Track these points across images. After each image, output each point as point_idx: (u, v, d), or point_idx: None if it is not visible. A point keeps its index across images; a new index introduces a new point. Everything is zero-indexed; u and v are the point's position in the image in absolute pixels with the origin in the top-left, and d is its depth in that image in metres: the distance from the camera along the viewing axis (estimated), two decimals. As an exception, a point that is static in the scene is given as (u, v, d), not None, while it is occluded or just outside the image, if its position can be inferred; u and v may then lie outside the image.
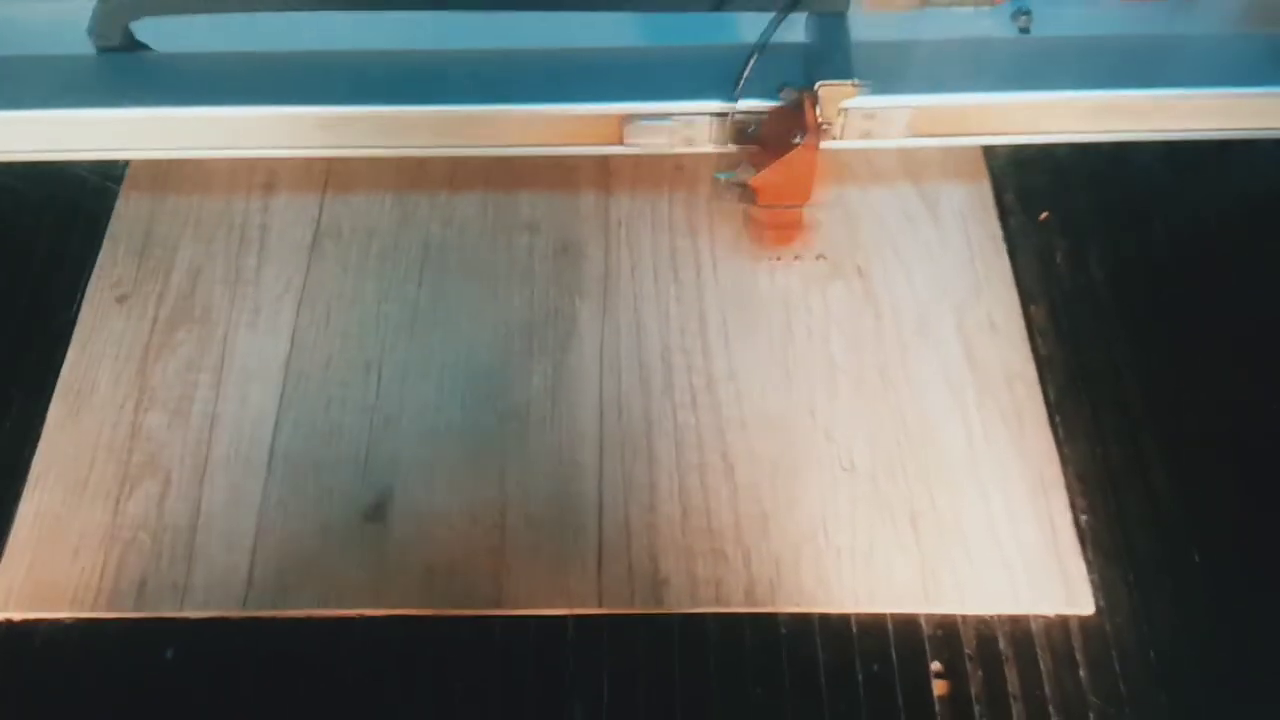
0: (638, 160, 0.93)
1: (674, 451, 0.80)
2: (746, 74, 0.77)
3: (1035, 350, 0.85)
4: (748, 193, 0.86)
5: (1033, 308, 0.88)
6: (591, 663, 0.73)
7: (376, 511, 0.77)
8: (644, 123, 0.80)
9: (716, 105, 0.79)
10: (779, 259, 0.90)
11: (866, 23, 0.80)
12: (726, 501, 0.78)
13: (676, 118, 0.80)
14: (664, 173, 0.94)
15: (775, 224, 0.88)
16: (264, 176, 0.94)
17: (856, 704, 0.72)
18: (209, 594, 0.74)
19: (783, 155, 0.78)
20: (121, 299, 0.87)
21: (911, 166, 0.94)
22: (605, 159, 0.94)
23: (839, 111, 0.78)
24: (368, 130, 0.81)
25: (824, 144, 0.80)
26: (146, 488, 0.78)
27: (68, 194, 0.94)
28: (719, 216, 0.92)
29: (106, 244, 0.91)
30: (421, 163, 0.94)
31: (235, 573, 0.75)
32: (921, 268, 0.89)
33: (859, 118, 0.80)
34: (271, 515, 0.77)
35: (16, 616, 0.75)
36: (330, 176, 0.94)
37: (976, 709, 0.72)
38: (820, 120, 0.77)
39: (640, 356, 0.85)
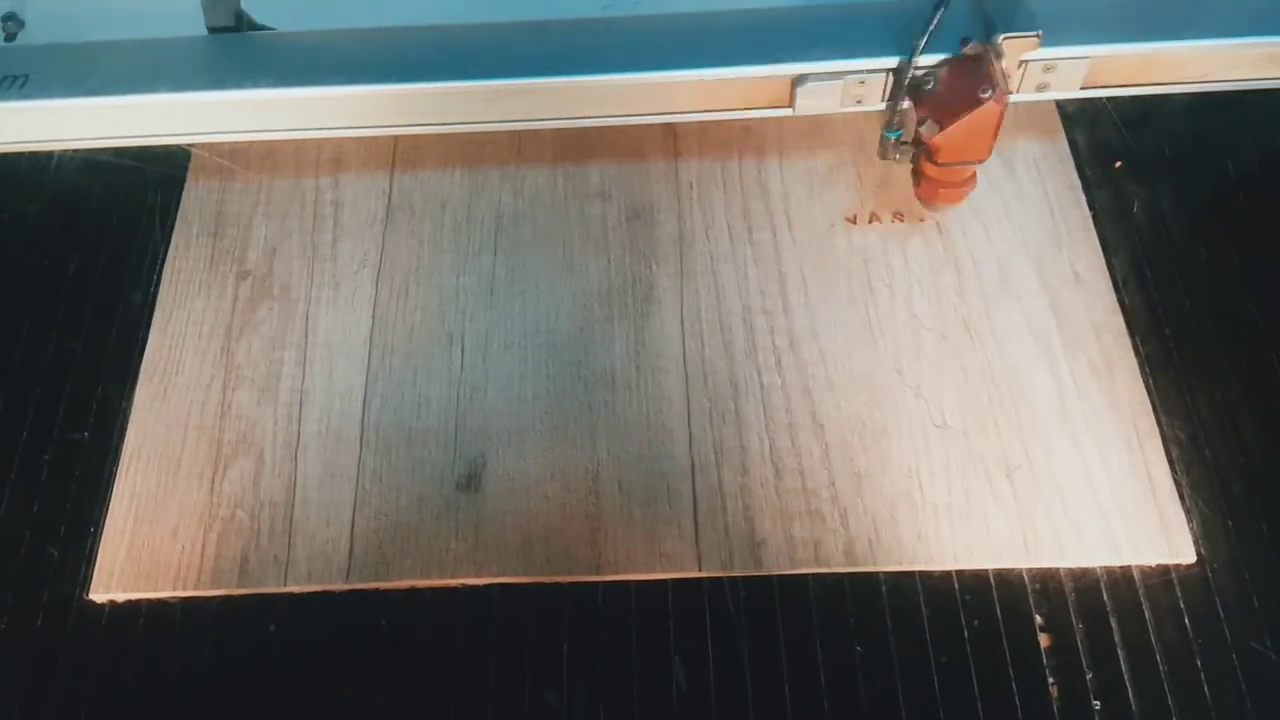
0: (704, 125, 0.92)
1: (762, 413, 0.80)
2: (933, 27, 0.74)
3: (1120, 299, 0.84)
4: (920, 151, 0.82)
5: (1114, 257, 0.86)
6: (694, 627, 0.73)
7: (470, 481, 0.77)
8: (815, 83, 0.77)
9: (891, 61, 0.77)
10: (854, 219, 0.88)
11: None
12: (819, 461, 0.78)
13: (850, 75, 0.77)
14: (732, 135, 0.94)
15: (951, 182, 0.84)
16: (332, 153, 0.94)
17: (964, 659, 0.72)
18: (311, 568, 0.74)
19: (968, 111, 0.75)
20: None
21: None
22: (672, 125, 0.93)
23: (1020, 64, 0.76)
24: (429, 106, 0.80)
25: (1002, 98, 0.76)
26: (241, 465, 0.78)
27: (136, 177, 0.93)
28: (790, 175, 0.91)
29: (179, 225, 0.91)
30: (488, 134, 0.93)
31: (336, 546, 0.75)
32: (1000, 221, 0.88)
33: (1038, 70, 0.77)
34: (367, 488, 0.77)
35: (120, 598, 0.75)
36: (398, 151, 0.94)
37: (1083, 661, 0.71)
38: (999, 74, 0.74)
39: (721, 319, 0.84)
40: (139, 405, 0.82)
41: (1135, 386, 0.80)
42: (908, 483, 0.77)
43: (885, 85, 0.78)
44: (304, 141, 0.93)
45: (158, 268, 0.89)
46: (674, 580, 0.75)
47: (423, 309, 0.85)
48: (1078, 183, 0.90)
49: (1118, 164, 0.92)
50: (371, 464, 0.78)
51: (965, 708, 0.70)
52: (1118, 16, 0.78)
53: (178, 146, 0.93)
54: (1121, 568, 0.75)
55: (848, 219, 0.89)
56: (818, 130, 0.93)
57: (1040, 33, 0.73)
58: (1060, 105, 0.94)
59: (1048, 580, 0.75)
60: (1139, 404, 0.79)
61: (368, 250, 0.88)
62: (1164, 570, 0.75)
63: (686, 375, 0.82)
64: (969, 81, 0.74)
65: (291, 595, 0.74)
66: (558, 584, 0.75)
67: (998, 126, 0.76)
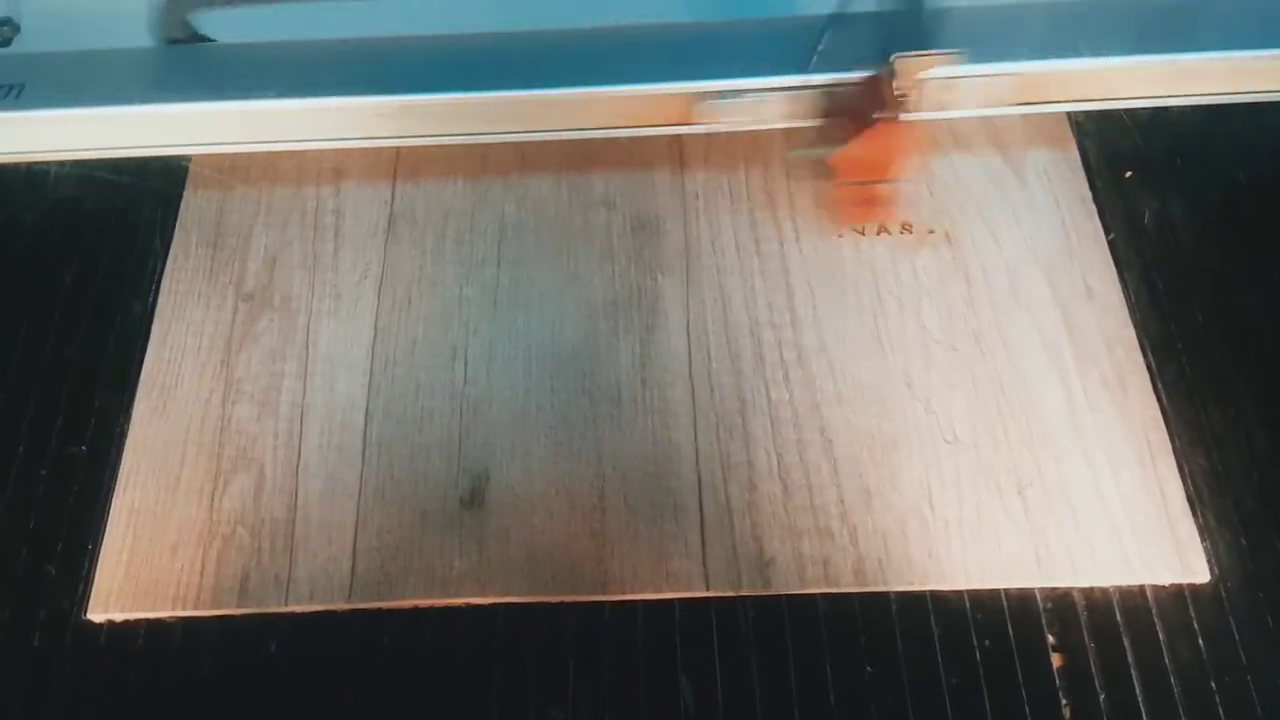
0: (710, 135, 0.91)
1: (770, 428, 0.79)
2: (821, 47, 0.74)
3: (1132, 312, 0.83)
4: (828, 169, 0.82)
5: (1125, 270, 0.85)
6: (702, 647, 0.72)
7: (474, 497, 0.76)
8: (717, 101, 0.77)
9: (791, 80, 0.76)
10: (863, 230, 0.87)
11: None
12: (828, 477, 0.77)
13: (750, 94, 0.77)
14: (739, 145, 0.92)
15: (857, 200, 0.85)
16: (333, 162, 0.92)
17: (975, 679, 0.71)
18: (313, 587, 0.73)
19: (862, 131, 0.75)
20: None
21: (996, 131, 0.92)
22: (678, 135, 0.92)
23: (916, 83, 0.76)
24: (423, 119, 0.80)
25: (901, 117, 0.77)
26: (241, 481, 0.77)
27: (134, 187, 0.92)
28: (797, 187, 0.90)
29: (178, 235, 0.90)
30: (491, 144, 0.92)
31: (338, 564, 0.74)
32: (1010, 232, 0.87)
33: (936, 89, 0.77)
34: (370, 504, 0.76)
35: (118, 617, 0.74)
36: (400, 160, 0.92)
37: (1096, 681, 0.70)
38: (901, 92, 0.74)
39: (728, 332, 0.83)
40: (137, 419, 0.81)
41: (1148, 401, 0.79)
42: (918, 499, 0.76)
43: (785, 104, 0.77)
44: (305, 151, 0.92)
45: (156, 279, 0.87)
46: (681, 600, 0.73)
47: (425, 321, 0.84)
48: (1089, 194, 0.89)
49: (1128, 174, 0.91)
50: (374, 480, 0.77)
51: (977, 729, 0.69)
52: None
53: (176, 157, 0.92)
54: (1135, 586, 0.74)
55: (855, 230, 0.87)
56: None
57: (934, 51, 0.72)
58: (1071, 115, 0.93)
59: (1060, 599, 0.74)
60: (1151, 419, 0.78)
61: (370, 261, 0.87)
62: (1177, 588, 0.74)
63: (693, 389, 0.81)
64: (864, 101, 0.73)
65: (293, 615, 0.73)
66: (564, 603, 0.73)
67: (895, 145, 0.75)
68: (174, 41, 0.79)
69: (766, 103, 0.78)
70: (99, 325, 0.86)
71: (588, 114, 0.80)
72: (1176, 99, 0.82)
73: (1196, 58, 0.78)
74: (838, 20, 0.74)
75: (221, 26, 0.81)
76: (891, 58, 0.73)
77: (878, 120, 0.74)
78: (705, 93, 0.77)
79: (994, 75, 0.77)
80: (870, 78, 0.75)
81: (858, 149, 0.77)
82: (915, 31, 0.74)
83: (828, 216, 0.88)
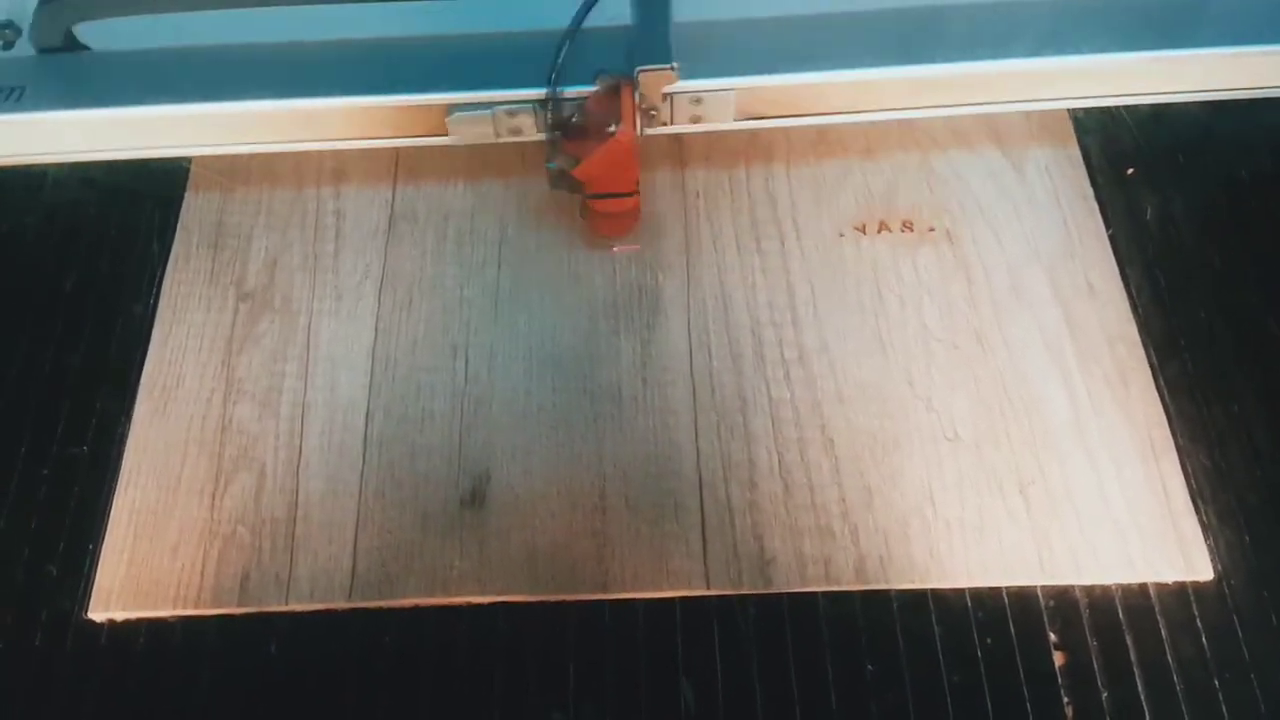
0: (710, 133, 0.91)
1: (771, 427, 0.79)
2: (560, 60, 0.72)
3: (1134, 310, 0.82)
4: (575, 182, 0.78)
5: (1127, 267, 0.85)
6: (703, 645, 0.72)
7: (474, 497, 0.76)
8: (465, 113, 0.75)
9: (537, 94, 0.75)
10: (862, 228, 0.87)
11: (691, 3, 0.77)
12: (829, 476, 0.77)
13: (499, 107, 0.75)
14: (739, 144, 0.93)
15: (608, 212, 0.82)
16: (333, 163, 0.93)
17: (977, 678, 0.70)
18: (314, 586, 0.73)
19: (599, 144, 0.73)
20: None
21: (996, 129, 0.92)
22: (679, 134, 0.91)
23: (664, 97, 0.75)
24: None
25: (653, 130, 0.77)
26: (242, 481, 0.77)
27: (136, 189, 0.92)
28: (798, 185, 0.90)
29: (179, 237, 0.90)
30: (491, 145, 0.91)
31: (338, 564, 0.74)
32: (1011, 230, 0.87)
33: (686, 102, 0.76)
34: (370, 504, 0.76)
35: (119, 616, 0.74)
36: (401, 162, 0.93)
37: (1099, 679, 0.70)
38: (645, 106, 0.74)
39: (729, 331, 0.83)
40: (139, 420, 0.81)
41: (1150, 399, 0.79)
42: (919, 498, 0.76)
43: (535, 117, 0.76)
44: (305, 151, 0.92)
45: (157, 280, 0.87)
46: (682, 599, 0.73)
47: (426, 321, 0.84)
48: (1090, 190, 0.88)
49: (1130, 171, 0.91)
50: (374, 480, 0.77)
51: (979, 728, 0.69)
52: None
53: (177, 159, 0.92)
54: (1137, 584, 0.73)
55: (856, 228, 0.87)
56: (824, 139, 0.92)
57: (675, 65, 0.70)
58: (1072, 112, 0.93)
59: (1062, 597, 0.74)
60: (1154, 417, 0.78)
61: (370, 261, 0.87)
62: (1180, 586, 0.73)
63: (694, 388, 0.81)
64: (604, 115, 0.73)
65: (293, 614, 0.73)
66: (564, 602, 0.73)
67: (633, 159, 0.75)
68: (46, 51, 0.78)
69: (518, 115, 0.76)
70: (100, 327, 0.86)
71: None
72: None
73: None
74: (577, 33, 0.73)
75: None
76: (636, 70, 0.72)
77: (610, 134, 0.72)
78: (454, 104, 0.76)
79: (737, 89, 0.76)
80: (610, 91, 0.74)
81: (596, 163, 0.74)
82: (659, 46, 0.72)
83: (828, 209, 0.88)
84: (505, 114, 0.76)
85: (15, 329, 0.86)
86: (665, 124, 0.78)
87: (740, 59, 0.75)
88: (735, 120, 0.78)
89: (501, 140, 0.78)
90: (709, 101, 0.76)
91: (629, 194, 0.80)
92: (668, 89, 0.74)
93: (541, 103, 0.74)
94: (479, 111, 0.75)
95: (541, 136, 0.77)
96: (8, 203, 0.93)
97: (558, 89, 0.73)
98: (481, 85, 0.75)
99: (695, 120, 0.78)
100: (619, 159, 0.74)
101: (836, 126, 0.88)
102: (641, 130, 0.76)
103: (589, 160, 0.74)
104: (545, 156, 0.76)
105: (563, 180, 0.77)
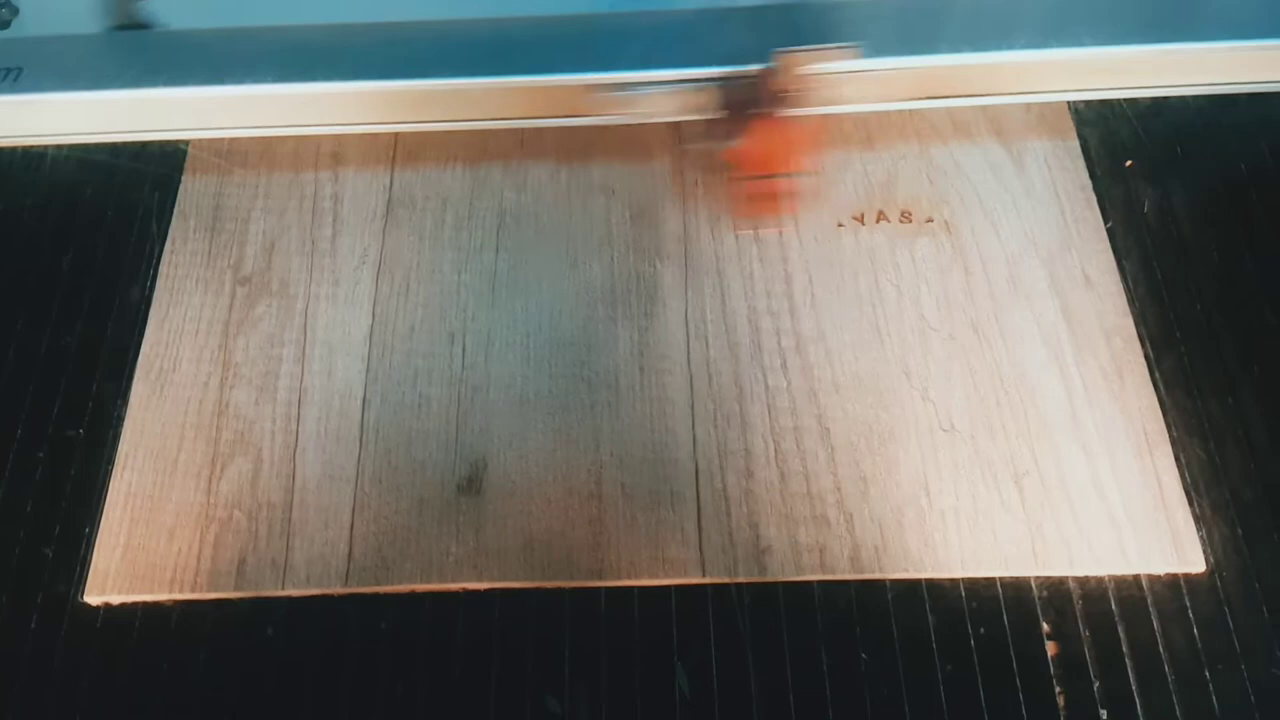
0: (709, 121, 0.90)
1: (767, 416, 0.79)
2: (716, 40, 0.72)
3: (1131, 302, 0.82)
4: (723, 163, 0.78)
5: (1124, 259, 0.85)
6: (698, 633, 0.72)
7: (471, 484, 0.76)
8: (611, 93, 0.75)
9: (685, 73, 0.74)
10: (860, 218, 0.87)
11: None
12: (825, 465, 0.77)
13: (645, 87, 0.75)
14: (738, 131, 0.92)
15: (753, 195, 0.82)
16: (332, 147, 0.92)
17: (970, 667, 0.71)
18: (310, 571, 0.73)
19: (751, 124, 0.73)
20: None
21: (996, 120, 0.91)
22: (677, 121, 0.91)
23: (799, 79, 0.74)
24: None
25: (791, 112, 0.75)
26: (239, 465, 0.77)
27: (132, 172, 0.92)
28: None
29: (175, 220, 0.89)
30: (490, 129, 0.91)
31: (335, 549, 0.74)
32: (1009, 222, 0.87)
33: (825, 84, 0.75)
34: (367, 490, 0.76)
35: (115, 600, 0.74)
36: (399, 146, 0.92)
37: (1091, 669, 0.71)
38: (784, 88, 0.73)
39: (726, 320, 0.83)
40: (135, 403, 0.81)
41: (1145, 392, 0.79)
42: (915, 487, 0.76)
43: (680, 97, 0.75)
44: (303, 135, 0.92)
45: (154, 263, 0.87)
46: (677, 586, 0.74)
47: (424, 307, 0.84)
48: (1088, 182, 0.88)
49: (1128, 163, 0.91)
50: (371, 465, 0.77)
51: (972, 716, 0.70)
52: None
53: (174, 141, 0.91)
54: (1130, 575, 0.74)
55: (855, 218, 0.87)
56: (823, 128, 0.92)
57: (819, 46, 0.70)
58: (1071, 104, 0.92)
59: (1055, 587, 0.74)
60: (1149, 409, 0.78)
61: (368, 246, 0.87)
62: (1173, 578, 0.74)
63: (691, 377, 0.81)
64: (752, 96, 0.72)
65: (290, 598, 0.73)
66: (559, 588, 0.73)
67: (789, 139, 0.74)
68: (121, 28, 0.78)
69: (662, 95, 0.75)
70: (97, 309, 0.86)
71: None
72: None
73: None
74: (731, 13, 0.72)
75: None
76: (779, 52, 0.70)
77: (762, 115, 0.72)
78: (599, 85, 0.75)
79: (880, 71, 0.75)
80: (757, 72, 0.73)
81: (748, 144, 0.75)
82: (805, 26, 0.72)
83: (826, 200, 0.88)
84: (650, 94, 0.74)
85: (11, 310, 0.86)
86: (798, 106, 0.75)
87: (881, 40, 0.74)
88: (876, 102, 0.77)
89: (641, 121, 0.77)
90: (849, 83, 0.74)
91: (779, 175, 0.79)
92: (808, 70, 0.72)
93: (691, 82, 0.73)
94: (628, 92, 0.74)
95: (687, 118, 0.76)
96: (5, 184, 0.93)
97: (705, 69, 0.72)
98: (629, 66, 0.74)
99: (832, 102, 0.76)
100: (772, 139, 0.74)
101: (838, 116, 0.87)
102: (803, 110, 0.74)
103: (742, 140, 0.73)
104: (700, 135, 0.75)
105: (705, 161, 0.75)
